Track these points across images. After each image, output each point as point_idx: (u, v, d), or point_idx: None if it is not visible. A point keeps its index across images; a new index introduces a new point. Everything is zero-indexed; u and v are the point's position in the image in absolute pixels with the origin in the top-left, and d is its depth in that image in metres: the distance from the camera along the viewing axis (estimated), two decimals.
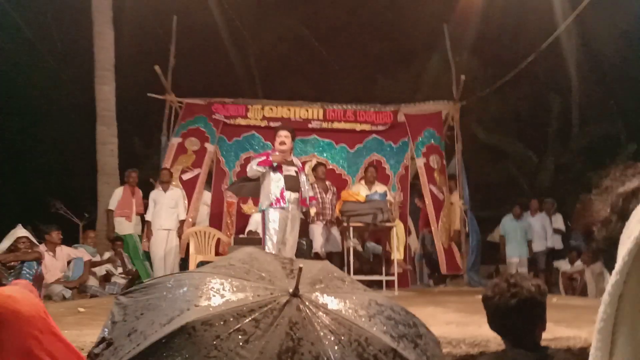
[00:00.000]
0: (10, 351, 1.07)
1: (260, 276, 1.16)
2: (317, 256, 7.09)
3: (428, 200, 8.18)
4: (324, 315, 1.08)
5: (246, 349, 0.97)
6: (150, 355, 0.98)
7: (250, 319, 1.01)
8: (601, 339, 0.55)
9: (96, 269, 7.06)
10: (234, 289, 1.10)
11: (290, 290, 1.09)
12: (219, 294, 1.08)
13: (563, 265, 8.39)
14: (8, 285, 1.30)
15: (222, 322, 1.00)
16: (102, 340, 1.08)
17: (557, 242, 9.03)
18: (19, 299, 1.12)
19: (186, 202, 7.62)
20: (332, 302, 1.13)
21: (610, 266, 0.60)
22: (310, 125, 8.49)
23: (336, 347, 1.02)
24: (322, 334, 1.03)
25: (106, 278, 7.20)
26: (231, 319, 1.01)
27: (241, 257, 1.25)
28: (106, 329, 1.11)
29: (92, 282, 6.84)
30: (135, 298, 1.15)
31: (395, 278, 6.51)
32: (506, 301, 1.67)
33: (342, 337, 1.05)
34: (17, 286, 1.24)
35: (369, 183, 7.42)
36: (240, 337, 0.98)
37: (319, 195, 7.34)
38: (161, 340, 0.98)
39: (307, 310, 1.07)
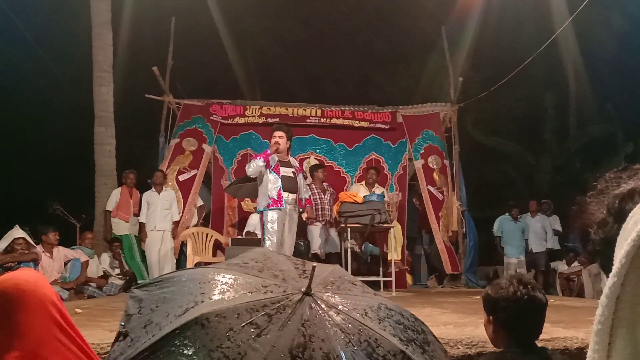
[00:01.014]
0: (35, 336, 1.07)
1: (273, 274, 1.18)
2: (315, 257, 7.09)
3: (427, 201, 8.20)
4: (335, 314, 1.09)
5: (258, 342, 0.98)
6: (165, 345, 0.99)
7: (263, 313, 1.03)
8: (599, 342, 0.55)
9: (93, 269, 7.04)
10: (248, 285, 1.12)
11: (303, 289, 1.11)
12: (233, 288, 1.10)
13: (560, 266, 8.42)
14: (17, 270, 1.29)
15: (235, 315, 1.02)
16: (119, 335, 1.10)
17: (554, 243, 9.05)
18: (39, 284, 1.13)
19: (181, 202, 7.63)
20: (343, 303, 1.14)
21: (606, 268, 0.61)
22: (308, 121, 8.50)
23: (346, 346, 1.03)
24: (332, 332, 1.05)
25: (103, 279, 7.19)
26: (244, 313, 1.02)
27: (254, 256, 1.28)
28: (122, 325, 1.13)
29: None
30: (150, 291, 1.17)
31: (392, 279, 6.52)
32: (517, 302, 1.67)
33: (352, 337, 1.06)
34: (28, 271, 1.25)
35: (369, 185, 7.42)
36: (252, 330, 1.00)
37: (317, 196, 7.34)
38: (175, 330, 1.00)
39: (319, 309, 1.08)
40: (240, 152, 8.43)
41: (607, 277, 0.58)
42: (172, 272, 1.34)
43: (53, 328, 1.11)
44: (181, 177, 7.88)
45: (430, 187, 8.27)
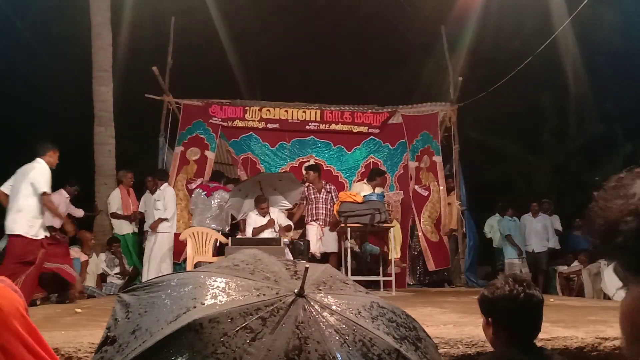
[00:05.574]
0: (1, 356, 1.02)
1: (265, 276, 1.17)
2: (311, 257, 7.08)
3: (411, 200, 8.27)
4: (329, 315, 1.09)
5: (254, 346, 0.97)
6: (158, 351, 0.98)
7: (257, 317, 1.02)
8: None
9: (92, 269, 7.04)
10: (240, 288, 1.11)
11: (296, 291, 1.10)
12: (225, 292, 1.09)
13: (560, 265, 8.42)
14: None
15: (229, 320, 1.00)
16: (106, 339, 1.08)
17: (555, 243, 9.05)
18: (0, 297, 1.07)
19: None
20: (337, 303, 1.14)
21: (637, 263, 0.58)
22: (307, 127, 8.53)
23: (342, 347, 1.03)
24: (327, 333, 1.04)
25: (102, 278, 7.20)
26: (238, 317, 1.01)
27: (244, 258, 1.26)
28: (108, 329, 1.10)
29: (89, 282, 6.83)
30: (138, 296, 1.15)
31: (392, 278, 6.52)
32: (514, 300, 1.67)
33: (347, 337, 1.05)
34: None
35: (374, 187, 7.37)
36: (247, 334, 0.99)
37: (312, 196, 7.30)
38: (169, 336, 0.99)
39: (313, 310, 1.08)
40: (241, 157, 8.47)
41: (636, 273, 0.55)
42: (161, 276, 1.33)
43: (18, 345, 1.07)
44: (190, 186, 8.09)
45: (415, 186, 8.32)
